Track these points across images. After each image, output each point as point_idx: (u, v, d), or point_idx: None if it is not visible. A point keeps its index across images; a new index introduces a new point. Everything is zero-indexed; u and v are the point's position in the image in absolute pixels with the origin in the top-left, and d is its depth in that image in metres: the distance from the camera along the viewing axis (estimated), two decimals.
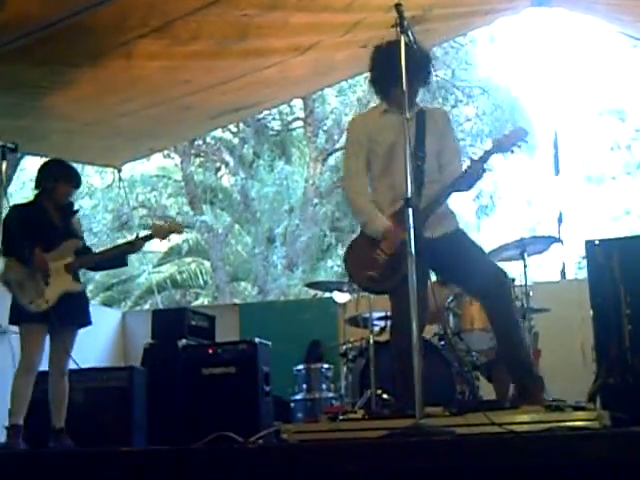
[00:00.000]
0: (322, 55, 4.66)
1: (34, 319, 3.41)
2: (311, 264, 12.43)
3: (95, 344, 6.14)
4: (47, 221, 3.54)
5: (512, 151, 2.82)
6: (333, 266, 12.95)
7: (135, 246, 3.66)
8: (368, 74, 3.05)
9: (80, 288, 3.59)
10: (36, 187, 3.66)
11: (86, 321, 3.62)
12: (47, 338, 3.49)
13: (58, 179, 3.56)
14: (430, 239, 2.79)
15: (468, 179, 2.84)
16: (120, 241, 3.89)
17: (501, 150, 2.83)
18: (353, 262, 3.00)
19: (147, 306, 11.79)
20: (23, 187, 10.62)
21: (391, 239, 2.82)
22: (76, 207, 3.83)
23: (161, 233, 3.73)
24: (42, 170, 3.64)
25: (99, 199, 12.43)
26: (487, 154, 2.83)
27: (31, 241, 3.43)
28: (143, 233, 3.81)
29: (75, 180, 3.63)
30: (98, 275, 12.99)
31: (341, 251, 13.03)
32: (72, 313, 3.49)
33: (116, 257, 3.74)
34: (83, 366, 4.05)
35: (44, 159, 3.96)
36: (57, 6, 3.44)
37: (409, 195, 2.38)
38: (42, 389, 3.51)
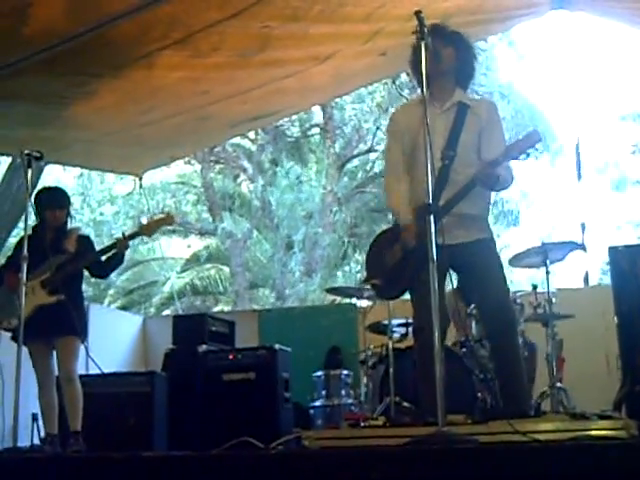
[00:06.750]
0: (341, 64, 4.66)
1: (16, 338, 3.57)
2: (329, 270, 12.42)
3: (117, 349, 6.21)
4: (39, 243, 3.67)
5: (527, 154, 2.74)
6: (351, 272, 12.93)
7: (122, 245, 3.71)
8: (408, 63, 2.93)
9: (55, 300, 3.59)
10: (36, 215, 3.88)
11: (66, 331, 3.57)
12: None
13: (43, 209, 3.74)
14: (447, 245, 2.66)
15: (480, 184, 2.75)
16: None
17: (513, 156, 2.76)
18: (371, 261, 3.04)
19: (168, 312, 11.88)
20: None
21: (407, 235, 2.80)
22: (76, 224, 4.02)
23: (148, 229, 3.79)
24: (34, 202, 3.82)
25: (120, 206, 12.59)
26: (496, 162, 2.73)
27: (11, 266, 3.65)
28: (129, 232, 3.86)
29: (57, 204, 3.76)
30: (119, 280, 13.13)
31: (359, 257, 13.01)
32: (48, 324, 3.57)
33: (110, 258, 3.77)
34: (105, 371, 4.13)
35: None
36: (80, 20, 3.50)
37: (430, 201, 2.34)
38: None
